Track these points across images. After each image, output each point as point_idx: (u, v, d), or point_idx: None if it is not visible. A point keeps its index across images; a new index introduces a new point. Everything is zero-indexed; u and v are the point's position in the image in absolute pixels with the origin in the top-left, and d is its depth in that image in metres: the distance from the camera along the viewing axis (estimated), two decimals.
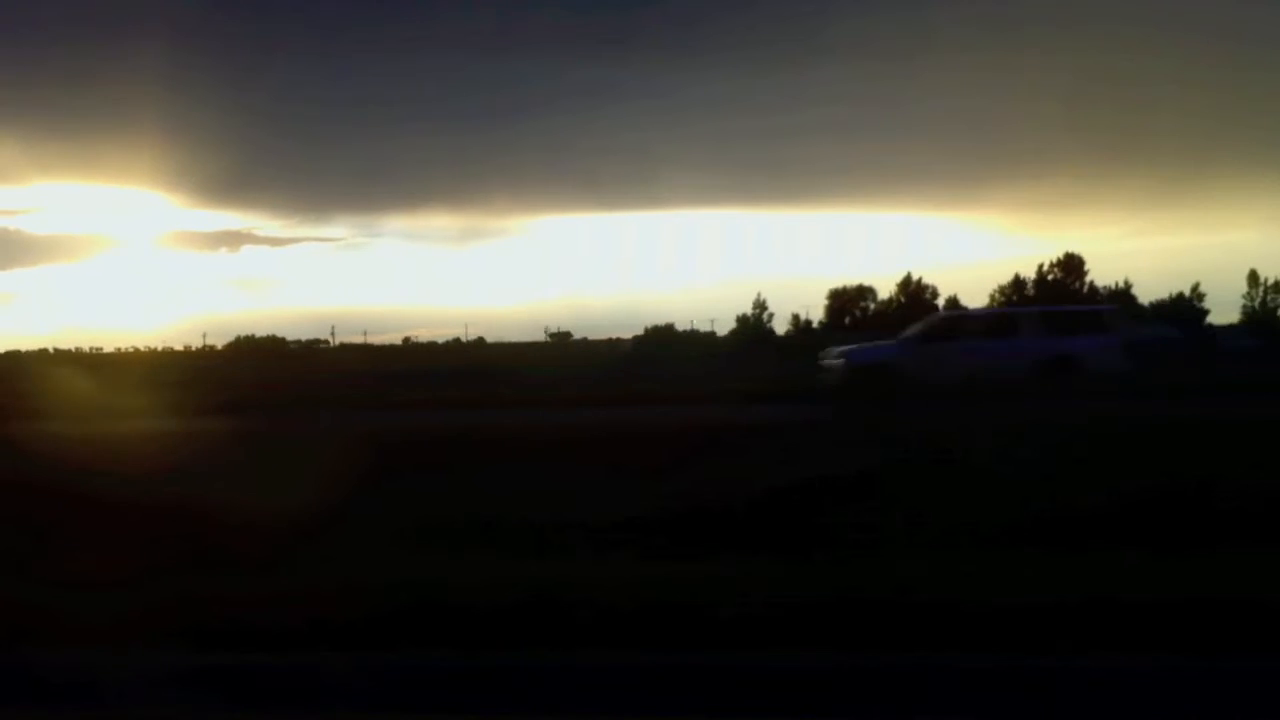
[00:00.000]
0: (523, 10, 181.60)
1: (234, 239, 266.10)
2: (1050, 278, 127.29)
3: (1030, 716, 9.95)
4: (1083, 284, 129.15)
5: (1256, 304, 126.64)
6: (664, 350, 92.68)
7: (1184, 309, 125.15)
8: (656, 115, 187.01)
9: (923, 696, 10.42)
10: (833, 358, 43.91)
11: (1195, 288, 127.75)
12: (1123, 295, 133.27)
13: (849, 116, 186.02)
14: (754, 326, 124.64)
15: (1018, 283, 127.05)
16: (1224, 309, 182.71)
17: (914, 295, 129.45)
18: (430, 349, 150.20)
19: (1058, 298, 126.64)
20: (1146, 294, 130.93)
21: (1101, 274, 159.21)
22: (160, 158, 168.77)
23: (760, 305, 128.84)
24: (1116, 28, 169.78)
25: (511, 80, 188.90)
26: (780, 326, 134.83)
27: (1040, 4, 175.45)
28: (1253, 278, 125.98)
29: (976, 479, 19.22)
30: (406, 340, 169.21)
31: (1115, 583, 12.57)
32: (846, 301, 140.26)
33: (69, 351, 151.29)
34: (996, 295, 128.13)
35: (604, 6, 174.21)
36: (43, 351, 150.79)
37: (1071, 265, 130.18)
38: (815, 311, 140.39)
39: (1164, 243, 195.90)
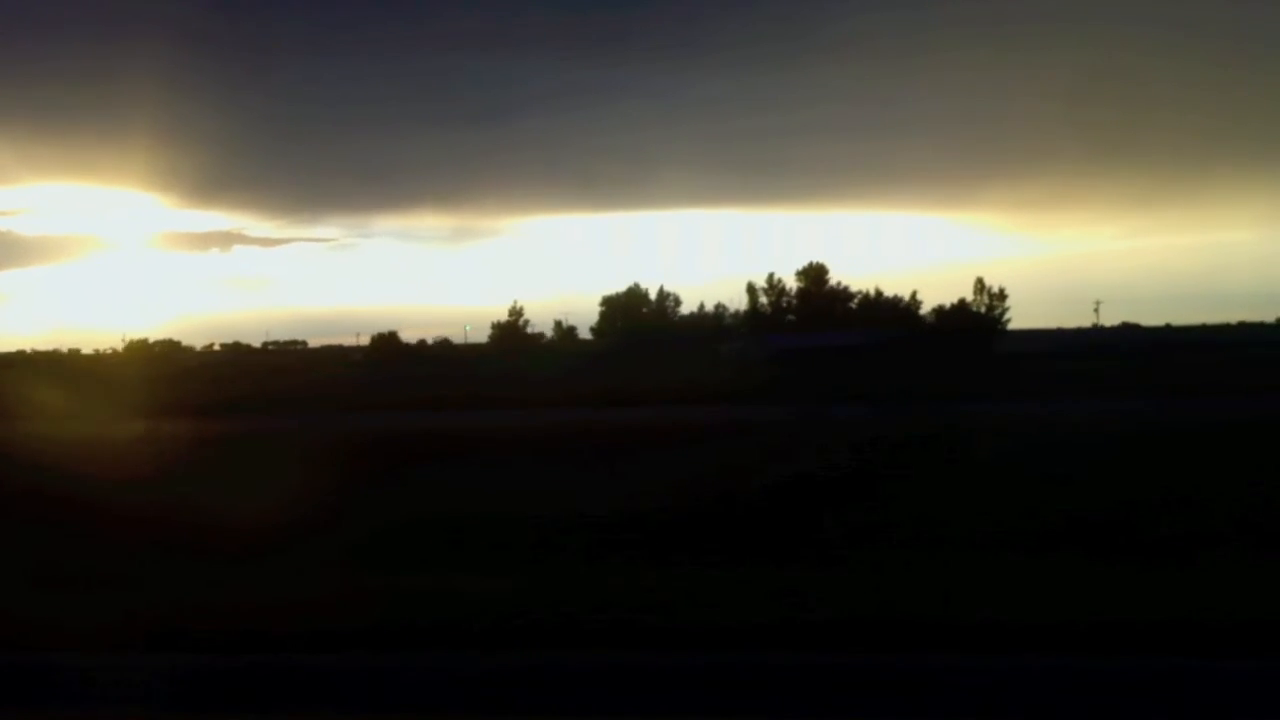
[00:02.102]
0: (519, 10, 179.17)
1: (225, 239, 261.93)
2: (779, 284, 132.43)
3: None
4: (823, 291, 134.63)
5: (982, 309, 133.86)
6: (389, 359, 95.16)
7: (966, 317, 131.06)
8: (652, 115, 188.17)
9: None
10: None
11: (961, 301, 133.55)
12: (874, 300, 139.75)
13: (842, 116, 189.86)
14: (509, 333, 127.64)
15: (751, 290, 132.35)
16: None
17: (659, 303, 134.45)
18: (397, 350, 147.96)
19: (803, 305, 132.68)
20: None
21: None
22: (152, 158, 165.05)
23: (516, 312, 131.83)
24: (1113, 28, 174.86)
25: (505, 81, 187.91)
26: (548, 333, 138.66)
27: (1038, 4, 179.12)
28: (978, 285, 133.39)
29: None
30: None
31: None
32: (619, 308, 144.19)
33: (47, 353, 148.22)
34: (734, 304, 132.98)
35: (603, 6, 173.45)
36: (19, 353, 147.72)
37: (815, 274, 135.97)
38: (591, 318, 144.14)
39: (1161, 241, 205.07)
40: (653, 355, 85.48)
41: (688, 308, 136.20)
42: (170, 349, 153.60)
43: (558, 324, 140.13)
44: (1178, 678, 11.29)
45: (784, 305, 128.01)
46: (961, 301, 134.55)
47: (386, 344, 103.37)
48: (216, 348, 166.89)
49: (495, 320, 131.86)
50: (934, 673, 11.64)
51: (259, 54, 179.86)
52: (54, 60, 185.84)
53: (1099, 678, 11.38)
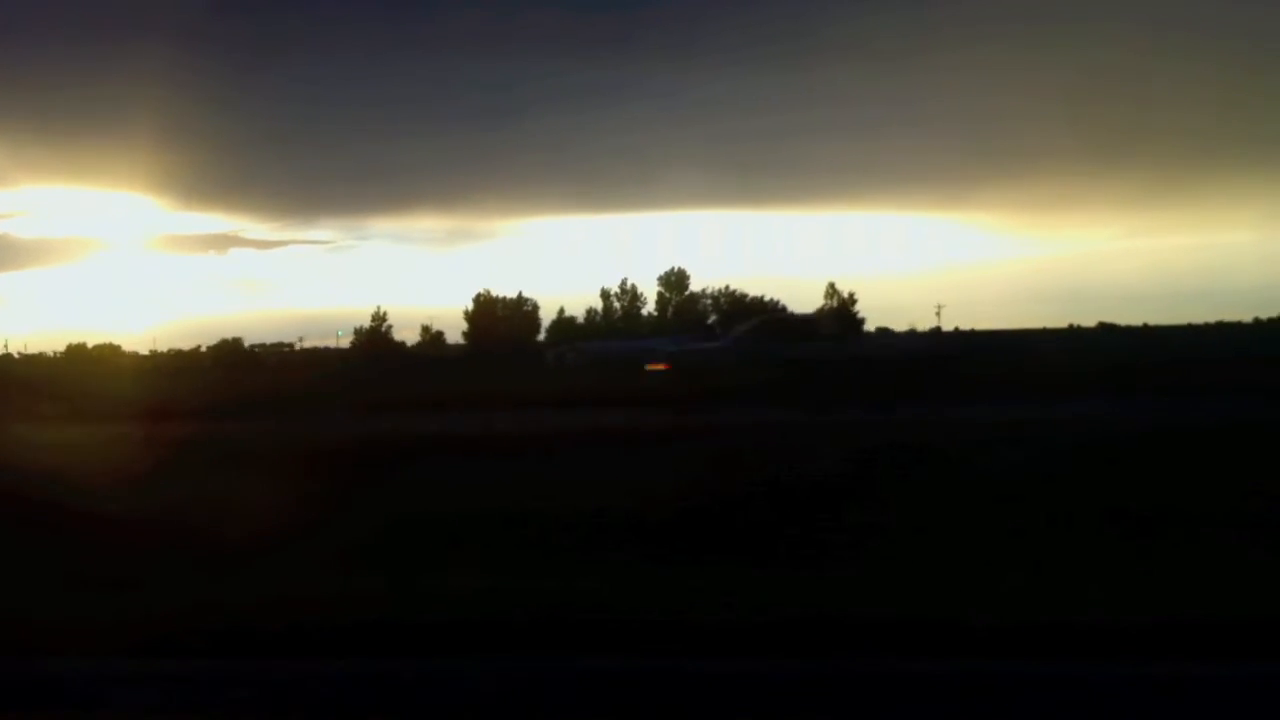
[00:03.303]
0: (520, 10, 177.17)
1: (222, 242, 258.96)
2: (631, 290, 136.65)
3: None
4: (684, 296, 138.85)
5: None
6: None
7: (843, 317, 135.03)
8: (654, 115, 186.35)
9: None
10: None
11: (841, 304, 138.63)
12: (740, 302, 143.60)
13: (840, 117, 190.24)
14: (371, 338, 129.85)
15: (605, 296, 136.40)
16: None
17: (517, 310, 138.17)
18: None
19: (661, 311, 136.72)
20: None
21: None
22: (148, 161, 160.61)
23: (380, 318, 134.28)
24: (1114, 27, 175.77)
25: (503, 82, 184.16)
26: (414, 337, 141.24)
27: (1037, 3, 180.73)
28: (830, 290, 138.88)
29: None
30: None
31: None
32: (480, 314, 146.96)
33: (33, 356, 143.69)
34: (597, 311, 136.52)
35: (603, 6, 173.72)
36: (5, 356, 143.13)
37: (677, 279, 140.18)
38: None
39: (1160, 242, 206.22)
40: (486, 361, 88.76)
41: (549, 313, 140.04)
42: (109, 352, 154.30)
43: (425, 329, 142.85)
44: (1178, 681, 10.76)
45: (637, 310, 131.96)
46: (841, 304, 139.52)
47: (230, 350, 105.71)
48: (203, 349, 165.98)
49: (358, 325, 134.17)
50: (937, 675, 11.32)
51: (256, 55, 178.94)
52: (50, 62, 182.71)
53: (1098, 680, 12.31)
